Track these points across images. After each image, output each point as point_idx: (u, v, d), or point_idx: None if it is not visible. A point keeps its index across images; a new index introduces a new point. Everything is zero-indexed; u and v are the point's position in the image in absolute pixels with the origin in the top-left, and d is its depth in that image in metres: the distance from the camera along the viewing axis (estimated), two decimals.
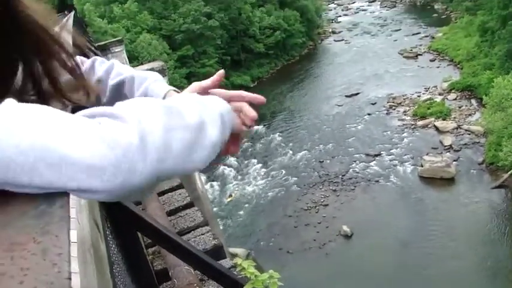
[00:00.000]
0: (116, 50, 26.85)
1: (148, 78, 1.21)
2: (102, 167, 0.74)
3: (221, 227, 29.62)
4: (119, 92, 1.26)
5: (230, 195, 34.69)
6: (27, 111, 0.73)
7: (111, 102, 1.26)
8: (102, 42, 27.44)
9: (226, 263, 3.46)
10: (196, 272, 3.16)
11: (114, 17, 46.30)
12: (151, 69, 18.67)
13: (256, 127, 45.30)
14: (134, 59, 38.92)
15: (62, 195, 0.72)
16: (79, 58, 1.27)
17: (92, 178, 0.74)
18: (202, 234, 3.83)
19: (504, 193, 30.79)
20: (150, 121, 0.82)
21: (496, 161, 32.11)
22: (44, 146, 0.70)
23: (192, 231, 3.90)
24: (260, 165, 39.41)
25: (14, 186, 0.69)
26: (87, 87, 1.16)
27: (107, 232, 2.01)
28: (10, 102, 0.73)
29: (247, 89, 55.89)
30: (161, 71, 19.14)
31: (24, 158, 0.68)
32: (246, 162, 40.35)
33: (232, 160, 40.86)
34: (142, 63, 30.03)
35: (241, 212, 33.89)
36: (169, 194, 4.51)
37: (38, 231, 0.61)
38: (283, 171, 37.65)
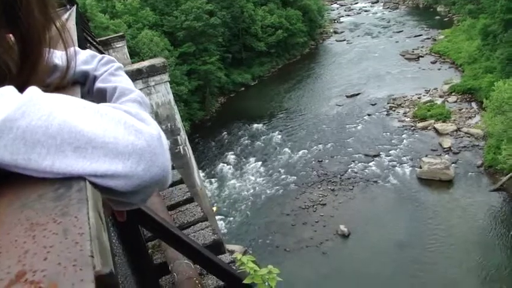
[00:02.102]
0: (118, 46, 26.82)
1: (125, 96, 1.20)
2: (127, 152, 0.79)
3: (219, 224, 29.70)
4: (103, 96, 1.27)
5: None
6: (55, 97, 0.76)
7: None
8: (104, 38, 27.38)
9: (225, 258, 3.48)
10: (196, 266, 3.18)
11: (116, 13, 46.22)
12: (152, 66, 18.71)
13: (256, 125, 45.35)
14: (135, 55, 38.88)
15: (79, 179, 0.73)
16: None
17: (115, 162, 0.77)
18: (202, 229, 3.85)
19: (502, 196, 30.84)
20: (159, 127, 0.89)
21: (495, 164, 32.17)
22: (72, 129, 0.72)
23: (192, 226, 3.92)
24: (259, 163, 39.42)
25: (34, 170, 0.71)
26: (64, 78, 1.19)
27: (109, 224, 2.03)
28: (35, 88, 0.76)
29: (247, 87, 56.05)
30: (162, 68, 19.12)
31: (52, 140, 0.71)
32: (244, 160, 40.38)
33: (231, 158, 40.90)
34: (143, 60, 29.98)
35: (239, 210, 33.92)
36: (170, 188, 4.53)
37: (57, 212, 0.63)
38: (282, 170, 37.68)
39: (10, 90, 0.73)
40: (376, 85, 50.63)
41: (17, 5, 0.84)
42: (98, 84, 1.27)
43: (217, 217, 30.11)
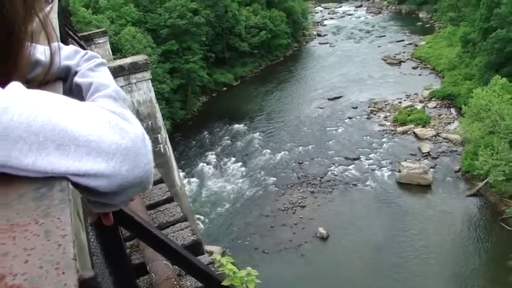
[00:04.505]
0: (100, 42, 26.51)
1: (99, 92, 1.16)
2: (111, 151, 0.76)
3: (198, 225, 29.58)
4: (80, 91, 1.24)
5: None
6: (38, 94, 0.73)
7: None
8: (86, 33, 27.05)
9: (204, 259, 3.45)
10: (175, 267, 3.15)
11: (99, 8, 45.69)
12: (135, 63, 18.54)
13: (237, 126, 45.29)
14: (118, 51, 38.50)
15: (61, 179, 0.70)
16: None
17: (98, 161, 0.75)
18: (181, 230, 3.81)
19: (478, 201, 31.30)
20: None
21: (472, 169, 32.64)
22: (55, 127, 0.70)
23: (171, 226, 3.88)
24: (239, 164, 39.35)
25: (14, 168, 0.68)
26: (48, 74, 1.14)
27: (87, 223, 2.00)
28: (18, 84, 0.73)
29: (230, 87, 55.93)
30: (144, 65, 18.97)
31: (34, 137, 0.68)
32: (225, 160, 40.28)
33: (211, 158, 40.75)
34: (125, 56, 29.72)
35: (218, 210, 33.80)
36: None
37: (39, 213, 0.60)
38: (262, 171, 37.67)
39: None
40: (357, 89, 50.98)
41: None
42: (76, 80, 1.22)
43: (196, 217, 29.98)
